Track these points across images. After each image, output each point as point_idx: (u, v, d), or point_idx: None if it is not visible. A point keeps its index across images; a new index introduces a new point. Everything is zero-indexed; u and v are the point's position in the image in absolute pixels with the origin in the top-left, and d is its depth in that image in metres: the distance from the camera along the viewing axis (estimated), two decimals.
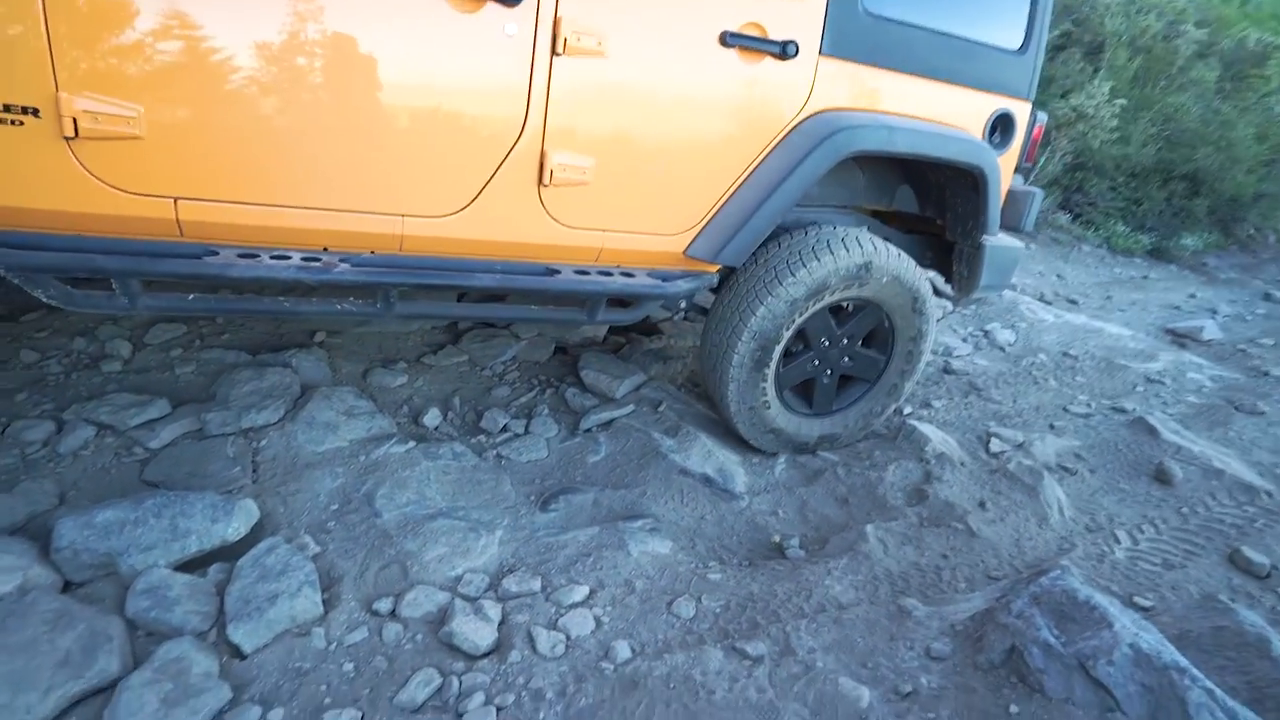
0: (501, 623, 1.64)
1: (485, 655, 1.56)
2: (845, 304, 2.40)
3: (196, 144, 1.52)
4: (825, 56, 2.08)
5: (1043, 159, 6.69)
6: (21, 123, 1.37)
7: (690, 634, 1.66)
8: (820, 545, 2.08)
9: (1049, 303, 4.99)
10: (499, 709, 1.43)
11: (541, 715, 1.42)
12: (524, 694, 1.46)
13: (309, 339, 2.62)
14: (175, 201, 1.55)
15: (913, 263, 2.37)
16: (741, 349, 2.25)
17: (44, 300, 1.57)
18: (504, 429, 2.40)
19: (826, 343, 2.41)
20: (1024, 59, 2.42)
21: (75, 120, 1.39)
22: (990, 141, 2.42)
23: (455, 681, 1.48)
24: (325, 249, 1.75)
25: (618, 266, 2.07)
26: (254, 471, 2.00)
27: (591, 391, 2.64)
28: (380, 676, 1.49)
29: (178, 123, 1.48)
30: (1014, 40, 2.39)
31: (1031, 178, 6.52)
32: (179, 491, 1.78)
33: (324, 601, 1.63)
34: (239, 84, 1.51)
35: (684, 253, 2.11)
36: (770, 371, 2.32)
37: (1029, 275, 5.71)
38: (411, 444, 2.19)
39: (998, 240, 2.53)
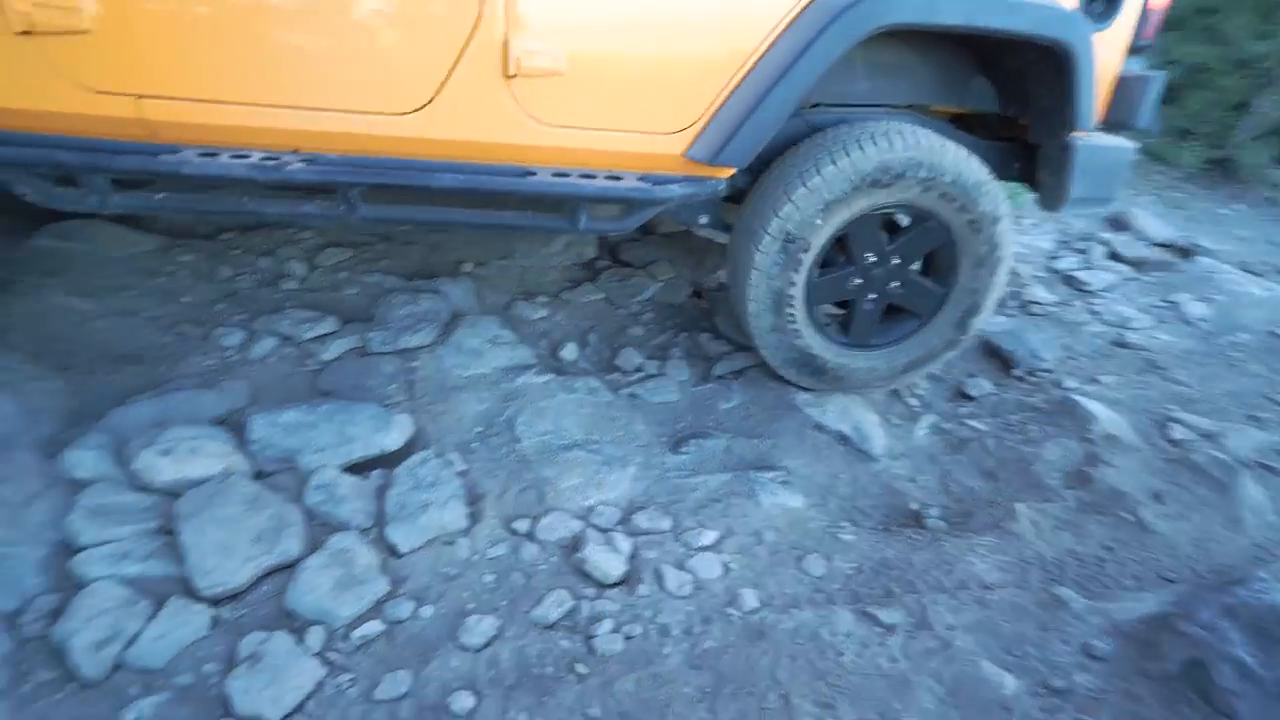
0: (632, 556, 1.68)
1: (615, 585, 1.61)
2: (898, 217, 2.11)
3: (150, 37, 1.52)
4: None
5: (1258, 100, 5.72)
6: None
7: (819, 592, 1.63)
8: (963, 519, 1.97)
9: (1258, 274, 4.34)
10: (627, 638, 1.47)
11: (667, 650, 1.45)
12: (651, 627, 1.50)
13: (457, 268, 2.74)
14: (137, 99, 1.59)
15: (976, 164, 1.99)
16: (761, 260, 2.00)
17: (26, 197, 1.67)
18: (638, 368, 2.42)
19: (873, 258, 2.10)
20: None
21: (28, 14, 1.45)
22: (1087, 10, 1.97)
23: (586, 606, 1.54)
24: (295, 150, 1.71)
25: (604, 170, 1.88)
26: (409, 389, 2.14)
27: (725, 337, 2.60)
28: (517, 591, 1.57)
29: (128, 16, 1.50)
30: None
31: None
32: (346, 401, 1.94)
33: (469, 515, 1.74)
34: None
35: (683, 155, 1.89)
36: (799, 284, 2.05)
37: (1230, 240, 4.99)
38: (550, 376, 2.26)
39: (1093, 139, 2.07)
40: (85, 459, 1.70)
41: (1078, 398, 2.42)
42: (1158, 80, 2.07)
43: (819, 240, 2.02)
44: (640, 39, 1.78)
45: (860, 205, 1.99)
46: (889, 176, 1.93)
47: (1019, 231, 4.17)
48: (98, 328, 2.25)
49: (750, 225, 2.06)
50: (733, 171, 1.96)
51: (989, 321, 2.26)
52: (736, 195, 2.16)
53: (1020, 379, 2.70)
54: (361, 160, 1.74)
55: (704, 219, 2.12)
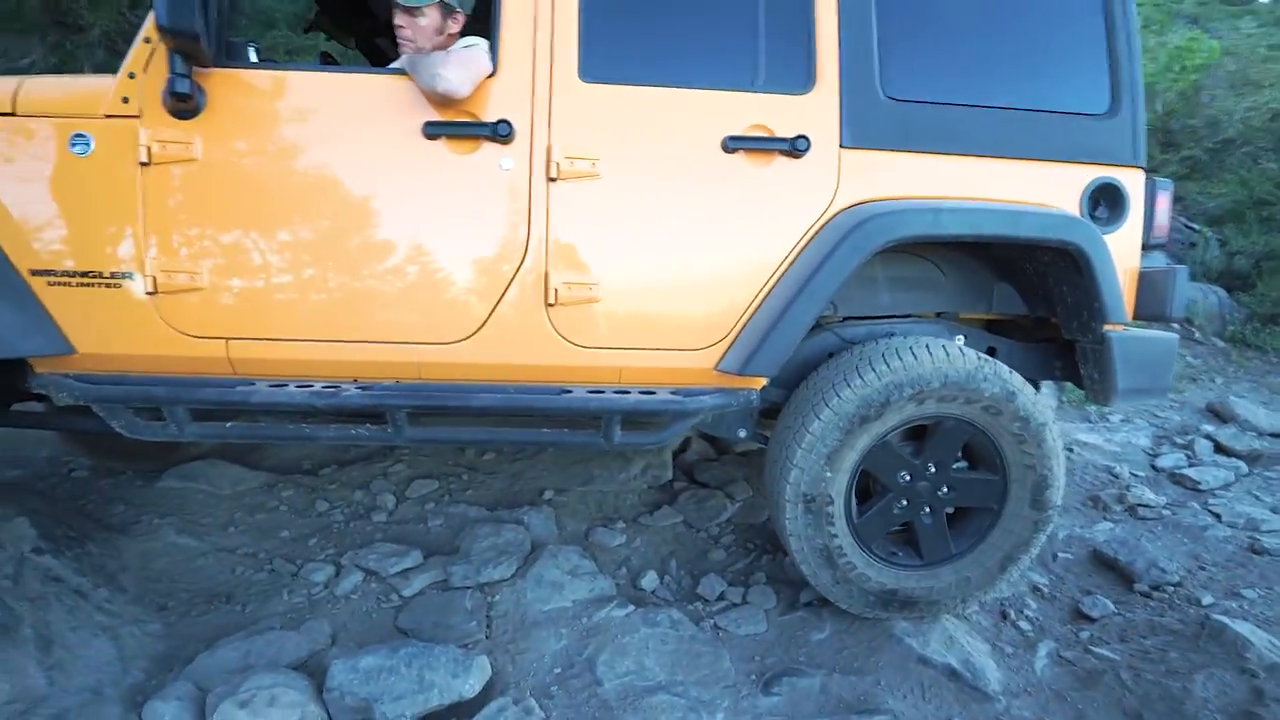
0: None
1: None
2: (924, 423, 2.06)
3: (243, 291, 1.84)
4: (848, 149, 1.95)
5: None
6: (119, 285, 1.81)
7: None
8: None
9: None
10: None
11: None
12: None
13: (539, 496, 2.81)
14: (227, 341, 1.86)
15: (959, 355, 1.97)
16: (793, 526, 2.00)
17: (118, 429, 1.89)
18: (720, 597, 2.32)
19: (907, 476, 2.06)
20: (1117, 121, 2.08)
21: (156, 278, 1.81)
22: (1095, 216, 2.08)
23: None
24: (355, 380, 1.91)
25: (638, 385, 1.97)
26: (488, 626, 2.10)
27: None
28: None
29: (231, 274, 1.83)
30: (1098, 103, 2.08)
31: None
32: (425, 644, 1.92)
33: None
34: (277, 240, 1.83)
35: (715, 367, 1.97)
36: (842, 536, 2.02)
37: None
38: (631, 608, 2.19)
39: (1130, 332, 2.08)
40: (166, 712, 1.71)
41: (1222, 618, 2.14)
42: (1181, 273, 2.13)
43: (838, 490, 2.01)
44: (670, 265, 1.94)
45: (862, 443, 1.99)
46: (874, 408, 1.94)
47: (1110, 429, 4.00)
48: (199, 565, 2.36)
49: (774, 472, 2.07)
50: (764, 383, 2.04)
51: (1064, 495, 2.11)
52: (774, 410, 2.20)
53: (1146, 595, 2.44)
54: (408, 386, 1.92)
55: (742, 432, 2.15)
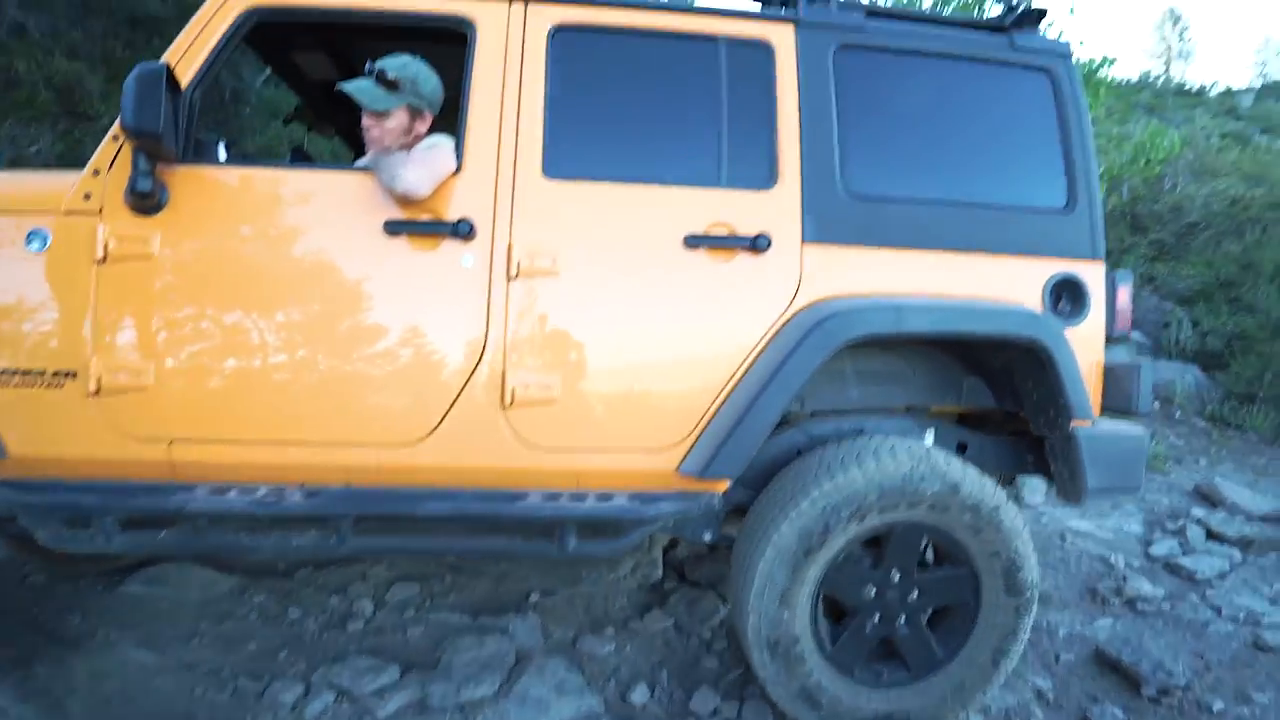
0: None
1: None
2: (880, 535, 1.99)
3: (190, 390, 1.79)
4: (810, 244, 1.95)
5: None
6: (61, 385, 1.75)
7: None
8: None
9: None
10: None
11: None
12: None
13: (524, 600, 2.69)
14: (169, 444, 1.79)
15: (888, 457, 1.89)
16: (764, 673, 1.92)
17: (40, 540, 1.79)
18: (714, 712, 2.19)
19: (872, 590, 1.96)
20: (1075, 216, 2.09)
21: (101, 377, 1.75)
22: (1056, 311, 2.06)
23: None
24: (303, 484, 1.83)
25: (595, 490, 1.91)
26: None
27: None
28: None
29: (178, 374, 1.79)
30: (1055, 198, 2.10)
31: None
32: None
33: None
34: (229, 338, 1.79)
35: (677, 470, 1.91)
36: (820, 675, 1.93)
37: None
38: None
39: (1098, 428, 2.04)
40: None
41: None
42: (1146, 368, 2.11)
43: (802, 627, 1.91)
44: (630, 365, 1.90)
45: (813, 574, 1.90)
46: (816, 538, 1.86)
47: (1101, 515, 3.97)
48: (155, 685, 2.19)
49: (735, 612, 2.00)
50: (726, 485, 1.98)
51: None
52: (744, 509, 2.12)
53: (1154, 700, 2.35)
54: (354, 492, 1.85)
55: (707, 535, 2.06)
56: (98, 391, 1.77)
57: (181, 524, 1.88)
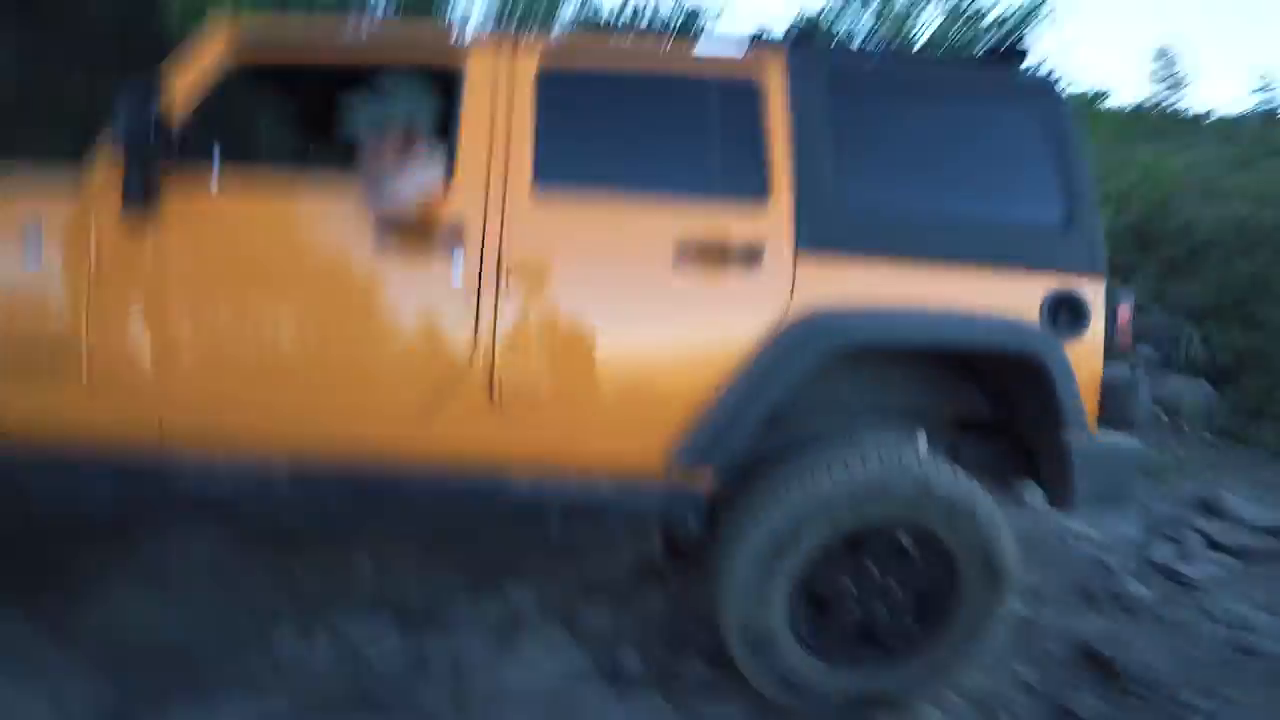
0: None
1: None
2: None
3: (183, 383, 1.91)
4: (804, 254, 1.96)
5: None
6: (60, 368, 1.89)
7: None
8: None
9: None
10: None
11: None
12: None
13: (521, 563, 2.75)
14: (160, 422, 1.92)
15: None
16: (732, 627, 1.99)
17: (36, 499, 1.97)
18: (701, 679, 2.25)
19: (850, 583, 2.02)
20: (1072, 233, 2.08)
21: (95, 364, 1.86)
22: (1055, 326, 2.05)
23: None
24: (289, 459, 1.93)
25: (581, 479, 1.97)
26: (462, 704, 2.03)
27: None
28: None
29: (171, 368, 1.90)
30: (1051, 215, 2.09)
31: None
32: None
33: None
34: (221, 336, 1.92)
35: (663, 461, 1.97)
36: (784, 643, 2.00)
37: None
38: (608, 687, 2.12)
39: (1093, 440, 2.05)
40: None
41: None
42: (1143, 383, 2.14)
43: (778, 621, 1.98)
44: (619, 369, 1.95)
45: (787, 569, 1.96)
46: (787, 539, 1.93)
47: (1100, 520, 3.97)
48: (160, 623, 2.28)
49: (715, 605, 2.07)
50: (710, 482, 2.02)
51: (1017, 555, 2.05)
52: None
53: (1137, 696, 2.37)
54: (341, 470, 1.94)
55: (693, 523, 2.10)
56: (92, 375, 1.90)
57: (171, 497, 2.00)
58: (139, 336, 1.91)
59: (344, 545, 2.79)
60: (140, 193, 1.84)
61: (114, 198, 1.87)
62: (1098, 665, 2.51)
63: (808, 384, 2.00)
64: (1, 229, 1.92)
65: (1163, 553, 3.62)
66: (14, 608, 2.14)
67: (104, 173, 1.92)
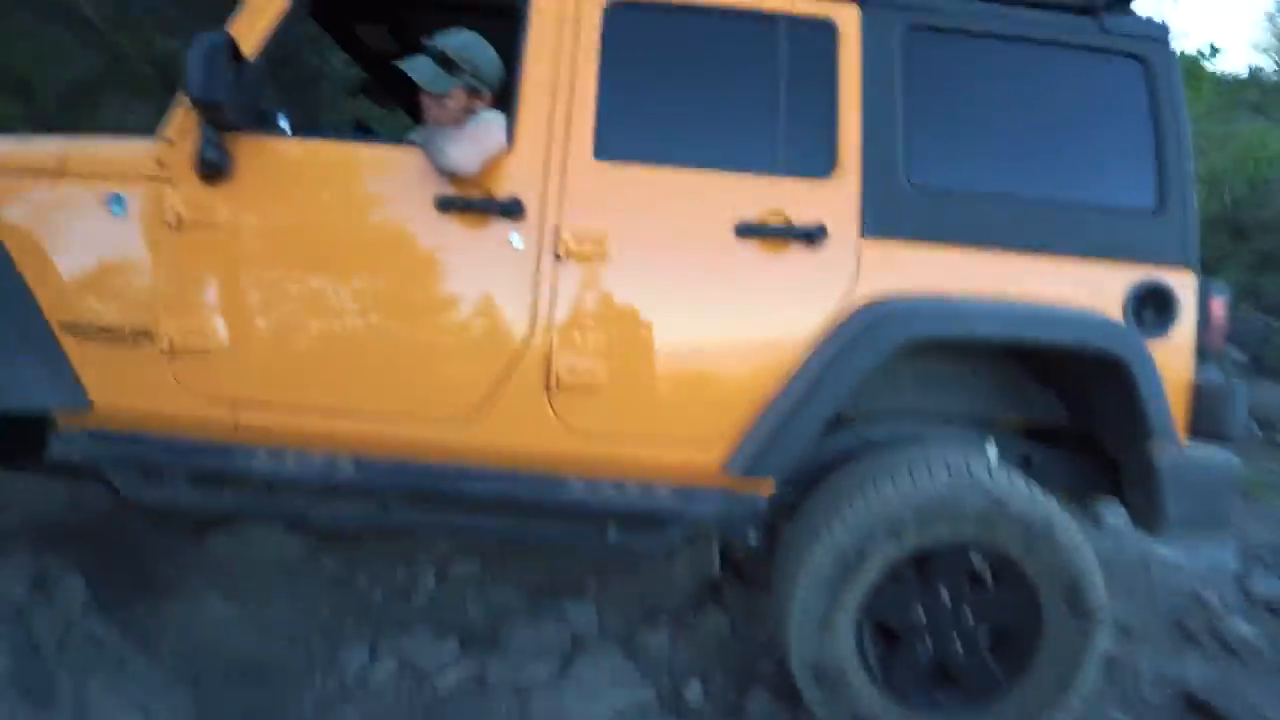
0: None
1: None
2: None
3: (255, 354, 1.87)
4: (869, 239, 1.84)
5: None
6: (138, 343, 1.84)
7: None
8: None
9: None
10: None
11: None
12: None
13: (581, 582, 2.71)
14: (233, 405, 1.86)
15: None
16: (797, 660, 1.86)
17: (117, 488, 1.92)
18: (768, 713, 2.17)
19: (921, 615, 1.87)
20: (1165, 219, 1.90)
21: (173, 337, 1.83)
22: (1139, 322, 1.88)
23: None
24: (353, 455, 1.89)
25: (639, 482, 1.86)
26: None
27: None
28: None
29: (244, 338, 1.86)
30: (1143, 198, 1.91)
31: None
32: None
33: None
34: (289, 308, 1.85)
35: (721, 467, 1.85)
36: (856, 679, 1.85)
37: None
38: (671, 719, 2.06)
39: (1184, 453, 1.85)
40: None
41: None
42: (1240, 389, 1.94)
43: (847, 654, 1.84)
44: (676, 354, 1.86)
45: (854, 596, 1.82)
46: (852, 559, 1.79)
47: (1190, 545, 3.70)
48: (236, 637, 2.33)
49: (780, 635, 1.96)
50: (771, 487, 1.91)
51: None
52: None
53: None
54: (402, 467, 1.89)
55: (752, 536, 2.01)
56: (170, 351, 1.86)
57: (243, 486, 1.98)
58: (213, 301, 1.88)
59: (408, 557, 2.81)
60: (215, 150, 1.81)
61: (188, 158, 1.84)
62: (1203, 714, 2.32)
63: (872, 380, 1.87)
64: (83, 198, 1.90)
65: (1266, 585, 3.35)
66: (109, 617, 2.20)
67: (179, 131, 1.88)
